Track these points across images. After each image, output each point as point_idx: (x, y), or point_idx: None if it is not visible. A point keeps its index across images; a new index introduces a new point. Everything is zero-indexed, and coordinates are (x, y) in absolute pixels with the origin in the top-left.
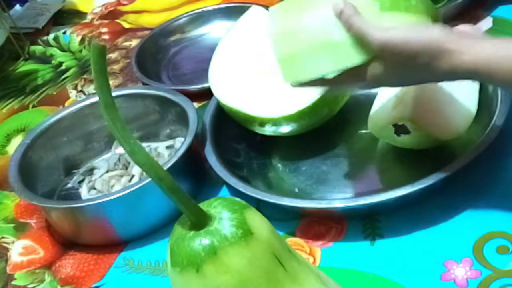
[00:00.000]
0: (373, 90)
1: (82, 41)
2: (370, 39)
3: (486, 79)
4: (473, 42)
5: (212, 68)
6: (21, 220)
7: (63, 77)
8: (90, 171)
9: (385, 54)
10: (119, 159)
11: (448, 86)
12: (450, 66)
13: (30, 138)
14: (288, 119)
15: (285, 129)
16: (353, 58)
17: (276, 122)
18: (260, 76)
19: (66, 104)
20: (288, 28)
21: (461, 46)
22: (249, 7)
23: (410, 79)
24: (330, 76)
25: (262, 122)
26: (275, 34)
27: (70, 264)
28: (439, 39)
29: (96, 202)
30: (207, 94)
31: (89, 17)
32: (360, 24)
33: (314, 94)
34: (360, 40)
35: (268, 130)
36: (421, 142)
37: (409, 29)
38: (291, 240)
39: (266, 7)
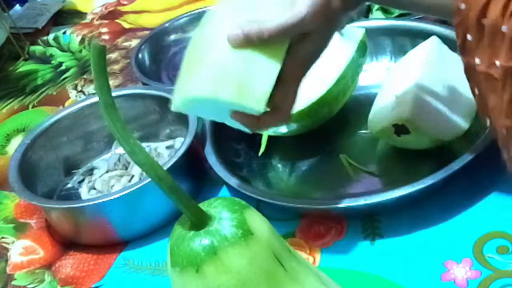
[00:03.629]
0: (373, 90)
1: (82, 41)
2: (292, 21)
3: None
4: None
5: None
6: (21, 220)
7: (63, 77)
8: (90, 171)
9: (313, 23)
10: (119, 159)
11: (448, 86)
12: None
13: (30, 138)
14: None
15: (285, 129)
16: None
17: None
18: None
19: (66, 104)
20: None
21: None
22: None
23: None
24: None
25: None
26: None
27: (70, 264)
28: None
29: (96, 202)
30: None
31: (89, 17)
32: (268, 24)
33: (314, 94)
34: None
35: (268, 130)
36: (421, 142)
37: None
38: (291, 240)
39: None
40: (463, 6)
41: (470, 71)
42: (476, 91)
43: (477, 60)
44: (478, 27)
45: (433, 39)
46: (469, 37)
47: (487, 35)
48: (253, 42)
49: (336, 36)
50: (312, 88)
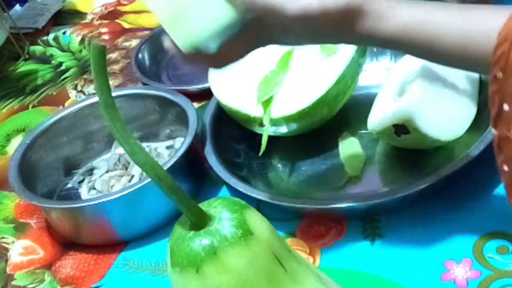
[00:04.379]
0: (373, 90)
1: (82, 41)
2: (283, 12)
3: (406, 48)
4: (393, 5)
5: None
6: (21, 220)
7: (63, 77)
8: (90, 171)
9: (298, 27)
10: (119, 159)
11: (448, 86)
12: (367, 31)
13: (30, 138)
14: (288, 119)
15: (285, 129)
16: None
17: (276, 122)
18: (260, 76)
19: (66, 104)
20: None
21: (381, 9)
22: None
23: (317, 42)
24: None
25: (262, 122)
26: None
27: (70, 264)
28: (356, 2)
29: (96, 202)
30: (207, 94)
31: (89, 17)
32: None
33: (314, 94)
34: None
35: (268, 130)
36: (421, 142)
37: None
38: (291, 240)
39: None
40: (500, 74)
41: (502, 145)
42: (506, 168)
43: None
44: None
45: None
46: (506, 107)
47: None
48: None
49: None
50: (312, 88)
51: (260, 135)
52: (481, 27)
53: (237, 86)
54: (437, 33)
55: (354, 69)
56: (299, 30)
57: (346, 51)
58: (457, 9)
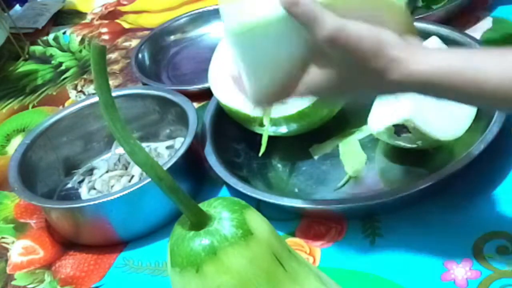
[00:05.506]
0: None
1: (82, 41)
2: (321, 23)
3: (439, 93)
4: (426, 52)
5: (212, 68)
6: (21, 220)
7: (63, 77)
8: (90, 171)
9: (333, 48)
10: (119, 159)
11: None
12: (400, 76)
13: (30, 138)
14: (288, 119)
15: (285, 129)
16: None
17: (276, 122)
18: None
19: (66, 104)
20: None
21: (414, 55)
22: None
23: (352, 88)
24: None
25: (262, 122)
26: None
27: (70, 264)
28: (391, 44)
29: (96, 202)
30: (207, 94)
31: (89, 17)
32: (309, 3)
33: None
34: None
35: (268, 130)
36: (421, 142)
37: (362, 25)
38: (291, 240)
39: None
40: None
41: None
42: None
43: None
44: None
45: (433, 39)
46: None
47: None
48: (296, 14)
49: None
50: None
51: (260, 135)
52: None
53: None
54: (482, 76)
55: None
56: (334, 54)
57: None
58: (498, 53)
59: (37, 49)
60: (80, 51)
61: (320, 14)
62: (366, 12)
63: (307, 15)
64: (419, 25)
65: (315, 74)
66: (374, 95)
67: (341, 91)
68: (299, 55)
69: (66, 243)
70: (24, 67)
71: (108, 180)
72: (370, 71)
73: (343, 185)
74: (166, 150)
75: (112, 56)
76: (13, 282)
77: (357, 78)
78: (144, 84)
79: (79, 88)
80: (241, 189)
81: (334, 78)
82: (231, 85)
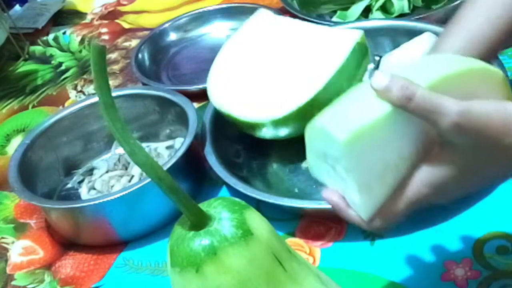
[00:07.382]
0: None
1: (82, 41)
2: (444, 111)
3: None
4: None
5: (211, 75)
6: (21, 220)
7: (63, 77)
8: (90, 171)
9: (460, 134)
10: (119, 159)
11: None
12: None
13: (30, 138)
14: (288, 119)
15: (285, 131)
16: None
17: (276, 122)
18: (259, 80)
19: (66, 104)
20: None
21: None
22: (249, 7)
23: (481, 176)
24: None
25: (261, 127)
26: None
27: (70, 264)
28: None
29: (96, 202)
30: (207, 94)
31: (89, 17)
32: (425, 94)
33: (311, 93)
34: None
35: (268, 134)
36: None
37: (485, 102)
38: (291, 240)
39: (270, 8)
40: None
41: None
42: None
43: None
44: None
45: (427, 34)
46: None
47: None
48: (413, 109)
49: (331, 36)
50: (310, 85)
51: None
52: None
53: (235, 93)
54: None
55: (350, 72)
56: (461, 141)
57: (339, 54)
58: None
59: (37, 49)
60: (80, 51)
61: (441, 101)
62: (469, 86)
63: (426, 107)
64: (419, 25)
65: (433, 173)
66: (506, 177)
67: (470, 183)
68: (410, 154)
69: (66, 243)
70: (24, 67)
71: (108, 180)
72: (504, 148)
73: None
74: (166, 150)
75: (112, 56)
76: (13, 282)
77: (489, 161)
78: (144, 84)
79: (79, 88)
80: (241, 189)
81: (460, 170)
82: (229, 92)
